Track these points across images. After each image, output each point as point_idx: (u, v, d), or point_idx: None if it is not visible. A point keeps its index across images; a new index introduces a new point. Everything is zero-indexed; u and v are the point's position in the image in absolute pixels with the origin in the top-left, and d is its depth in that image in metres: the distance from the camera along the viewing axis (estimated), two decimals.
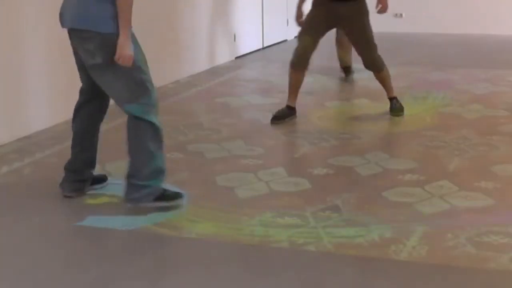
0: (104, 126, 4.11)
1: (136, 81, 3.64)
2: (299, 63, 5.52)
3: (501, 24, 10.20)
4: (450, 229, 3.51)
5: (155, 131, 3.73)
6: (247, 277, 3.10)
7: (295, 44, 5.60)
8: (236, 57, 8.56)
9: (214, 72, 7.67)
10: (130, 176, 3.77)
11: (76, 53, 3.79)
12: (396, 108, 5.76)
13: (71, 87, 5.46)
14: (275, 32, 9.50)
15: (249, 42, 8.89)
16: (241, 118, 5.75)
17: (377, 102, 6.21)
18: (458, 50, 9.13)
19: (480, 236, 3.44)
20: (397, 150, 4.92)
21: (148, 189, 3.75)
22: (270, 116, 5.60)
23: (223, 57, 8.26)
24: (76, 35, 3.67)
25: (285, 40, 9.65)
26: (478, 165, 4.54)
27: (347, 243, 3.39)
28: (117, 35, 3.51)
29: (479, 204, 3.87)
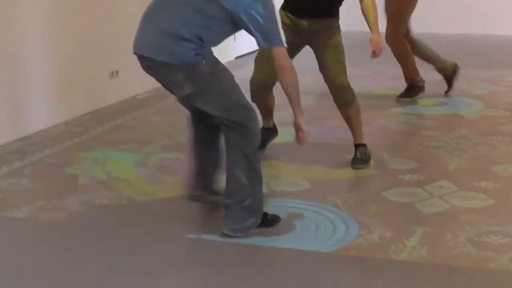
0: None
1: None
2: (257, 95, 4.68)
3: (501, 24, 10.19)
4: (450, 229, 3.51)
5: None
6: (247, 277, 3.10)
7: None
8: (236, 57, 8.55)
9: None
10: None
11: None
12: (359, 159, 4.51)
13: (71, 87, 5.48)
14: None
15: (249, 42, 8.83)
16: None
17: (377, 103, 6.21)
18: (458, 50, 9.11)
19: (480, 236, 3.44)
20: (397, 150, 4.92)
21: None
22: None
23: (223, 57, 8.18)
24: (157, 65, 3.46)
25: None
26: (478, 165, 4.54)
27: (347, 243, 3.39)
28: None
29: (479, 204, 3.86)
